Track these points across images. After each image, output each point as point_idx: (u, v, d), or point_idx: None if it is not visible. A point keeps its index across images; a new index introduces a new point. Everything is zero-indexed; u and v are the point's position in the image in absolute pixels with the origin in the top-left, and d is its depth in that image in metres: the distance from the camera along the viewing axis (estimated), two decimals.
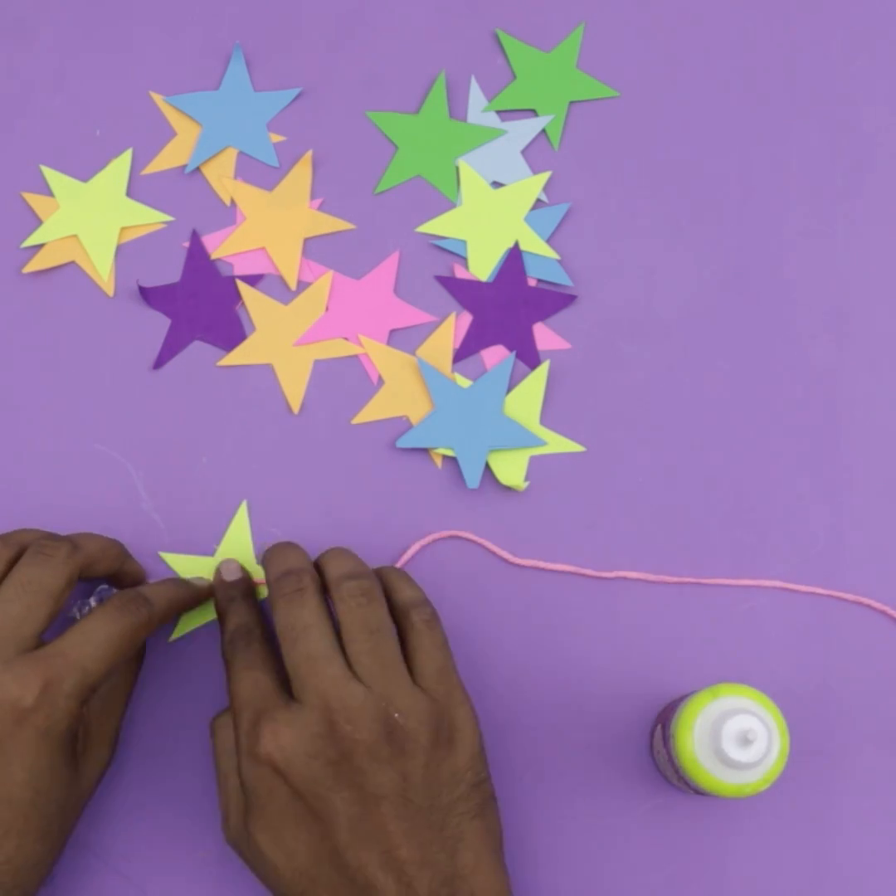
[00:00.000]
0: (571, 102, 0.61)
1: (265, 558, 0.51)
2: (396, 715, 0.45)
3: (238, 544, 0.56)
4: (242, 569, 0.54)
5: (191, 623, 0.55)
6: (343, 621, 0.47)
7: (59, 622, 0.50)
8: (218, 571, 0.54)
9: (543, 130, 0.60)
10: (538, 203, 0.60)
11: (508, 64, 0.61)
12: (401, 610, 0.49)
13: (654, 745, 0.52)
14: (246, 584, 0.54)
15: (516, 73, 0.61)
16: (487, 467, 0.56)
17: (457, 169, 0.60)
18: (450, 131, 0.60)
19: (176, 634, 0.55)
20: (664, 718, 0.50)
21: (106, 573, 0.52)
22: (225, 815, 0.48)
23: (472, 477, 0.56)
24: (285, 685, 0.47)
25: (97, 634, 0.47)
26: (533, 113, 0.61)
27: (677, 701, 0.50)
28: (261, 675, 0.47)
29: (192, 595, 0.53)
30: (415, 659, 0.48)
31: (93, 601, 0.53)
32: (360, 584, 0.48)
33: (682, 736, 0.47)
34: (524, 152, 0.60)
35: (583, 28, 0.61)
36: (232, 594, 0.53)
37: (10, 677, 0.45)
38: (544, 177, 0.60)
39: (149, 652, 0.54)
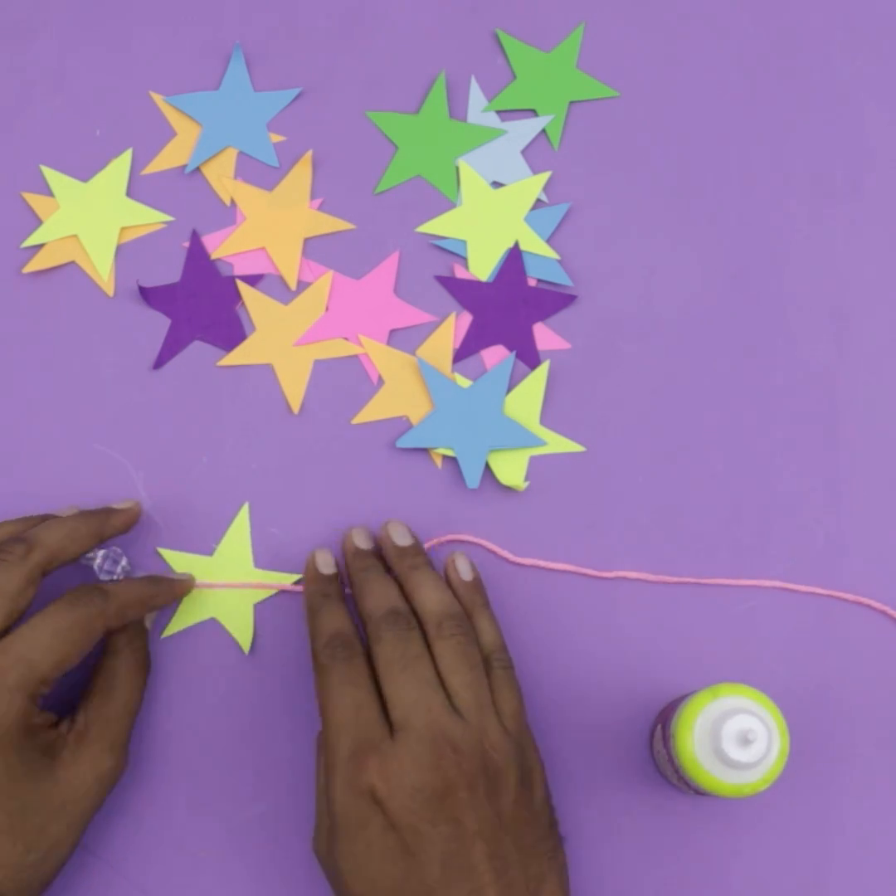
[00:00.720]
0: (571, 102, 0.61)
1: (362, 588, 0.51)
2: (492, 751, 0.46)
3: (238, 545, 0.56)
4: (337, 564, 0.54)
5: (185, 620, 0.55)
6: (445, 655, 0.48)
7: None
8: (311, 561, 0.54)
9: (543, 130, 0.60)
10: (538, 203, 0.60)
11: (508, 64, 0.61)
12: (483, 653, 0.50)
13: (654, 745, 0.52)
14: (339, 582, 0.54)
15: (516, 73, 0.61)
16: (487, 467, 0.56)
17: (457, 169, 0.60)
18: (450, 131, 0.60)
19: (168, 631, 0.55)
20: (664, 718, 0.50)
21: (79, 554, 0.51)
22: (316, 828, 0.48)
23: (472, 477, 0.56)
24: (382, 708, 0.47)
25: (44, 628, 0.46)
26: (533, 113, 0.61)
27: (677, 701, 0.50)
28: (363, 697, 0.47)
29: (166, 591, 0.52)
30: (495, 700, 0.49)
31: (99, 555, 0.53)
32: (461, 623, 0.50)
33: (682, 736, 0.46)
34: (524, 152, 0.60)
35: (583, 28, 0.61)
36: (327, 591, 0.52)
37: None
38: (544, 177, 0.60)
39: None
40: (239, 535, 0.56)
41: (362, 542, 0.54)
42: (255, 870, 0.53)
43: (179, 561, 0.56)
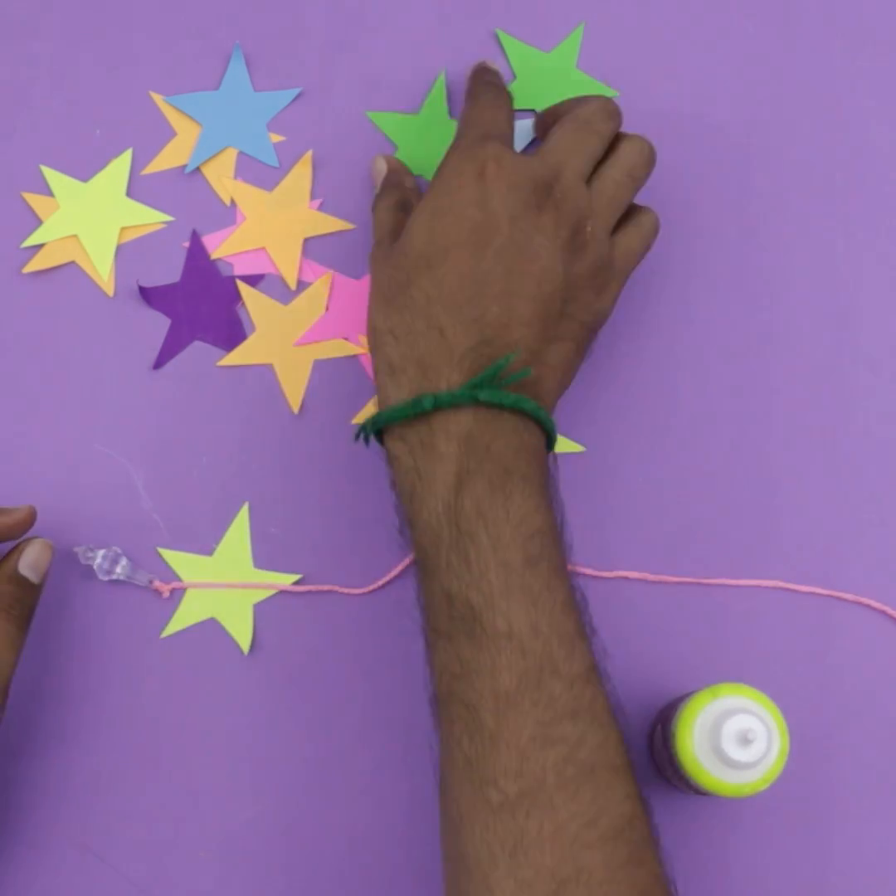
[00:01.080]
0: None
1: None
2: (595, 226, 0.50)
3: (237, 545, 0.56)
4: None
5: (185, 620, 0.55)
6: (623, 148, 0.53)
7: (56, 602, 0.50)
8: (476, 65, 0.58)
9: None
10: None
11: (508, 64, 0.61)
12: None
13: (654, 745, 0.52)
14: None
15: (516, 73, 0.61)
16: None
17: None
18: (450, 131, 0.60)
19: (168, 631, 0.55)
20: (664, 718, 0.50)
21: None
22: (378, 237, 0.53)
23: None
24: None
25: None
26: (533, 113, 0.60)
27: (677, 701, 0.50)
28: (504, 115, 0.52)
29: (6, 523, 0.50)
30: (633, 215, 0.54)
31: (99, 554, 0.54)
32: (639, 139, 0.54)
33: (682, 736, 0.47)
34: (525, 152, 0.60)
35: (583, 28, 0.61)
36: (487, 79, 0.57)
37: None
38: None
39: (147, 650, 0.54)
40: (239, 534, 0.56)
41: (490, 64, 0.58)
42: (255, 870, 0.53)
43: (179, 561, 0.55)
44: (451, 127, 0.60)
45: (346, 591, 0.55)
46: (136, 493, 0.56)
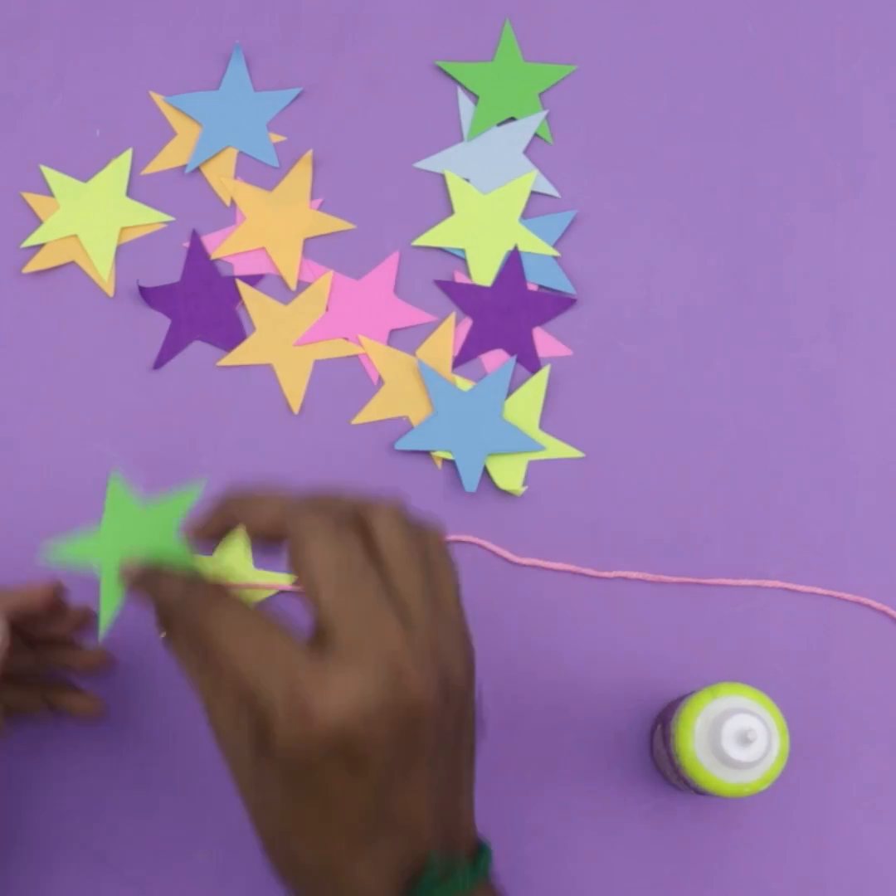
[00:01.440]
0: (541, 94, 0.61)
1: (247, 501, 0.41)
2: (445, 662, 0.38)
3: (237, 545, 0.56)
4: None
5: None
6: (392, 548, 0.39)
7: None
8: (124, 570, 0.43)
9: (537, 133, 0.61)
10: (547, 199, 0.60)
11: (469, 87, 0.61)
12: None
13: (654, 745, 0.52)
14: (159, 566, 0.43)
15: (476, 92, 0.61)
16: (486, 471, 0.56)
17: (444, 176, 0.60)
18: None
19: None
20: (664, 718, 0.50)
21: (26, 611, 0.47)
22: (267, 837, 0.39)
23: (470, 481, 0.56)
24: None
25: None
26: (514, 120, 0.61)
27: (677, 701, 0.50)
28: (269, 621, 0.38)
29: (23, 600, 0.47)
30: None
31: None
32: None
33: (682, 735, 0.47)
34: (527, 153, 0.60)
35: (509, 24, 0.61)
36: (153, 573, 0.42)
37: None
38: (532, 176, 0.60)
39: (147, 650, 0.54)
40: (239, 534, 0.56)
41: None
42: (256, 870, 0.53)
43: None
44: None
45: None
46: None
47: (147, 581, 0.41)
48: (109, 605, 0.44)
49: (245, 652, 0.37)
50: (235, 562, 0.55)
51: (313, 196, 0.60)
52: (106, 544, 0.45)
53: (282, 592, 0.55)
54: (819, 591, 0.55)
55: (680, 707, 0.48)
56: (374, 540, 0.38)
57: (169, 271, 0.59)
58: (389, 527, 0.38)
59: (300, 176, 0.60)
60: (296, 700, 0.35)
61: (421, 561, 0.39)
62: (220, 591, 0.39)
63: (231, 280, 0.59)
